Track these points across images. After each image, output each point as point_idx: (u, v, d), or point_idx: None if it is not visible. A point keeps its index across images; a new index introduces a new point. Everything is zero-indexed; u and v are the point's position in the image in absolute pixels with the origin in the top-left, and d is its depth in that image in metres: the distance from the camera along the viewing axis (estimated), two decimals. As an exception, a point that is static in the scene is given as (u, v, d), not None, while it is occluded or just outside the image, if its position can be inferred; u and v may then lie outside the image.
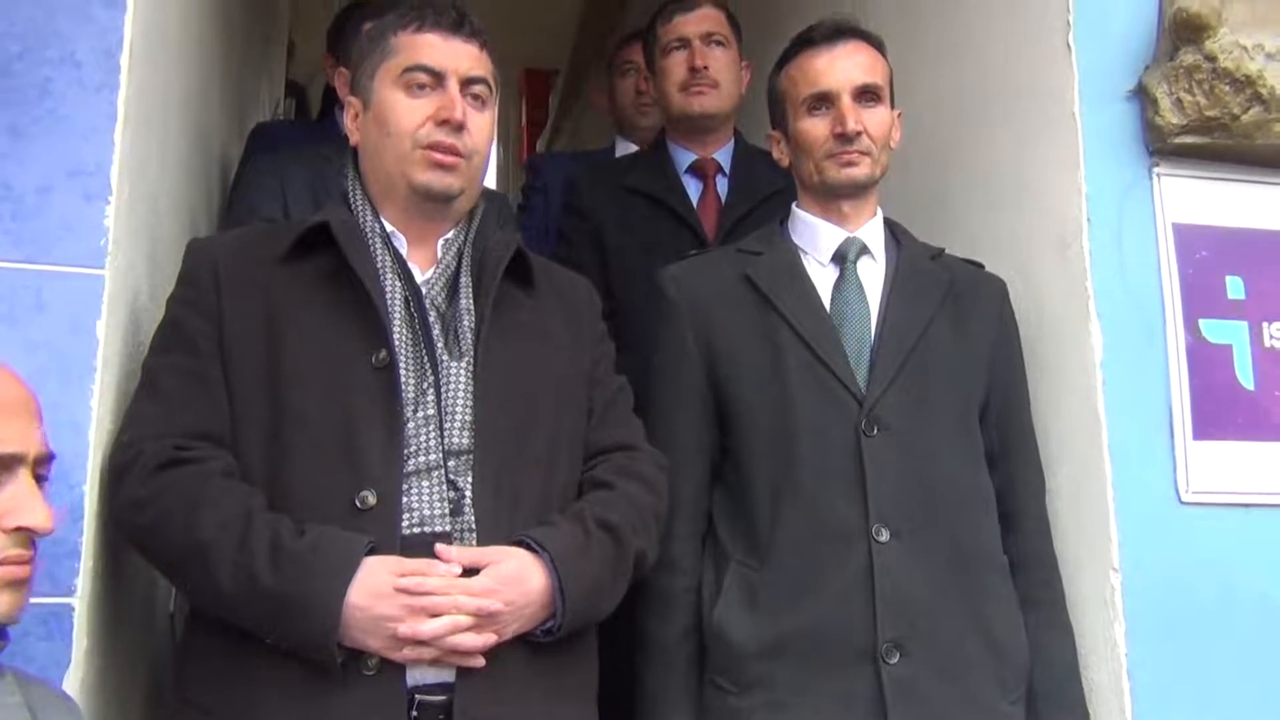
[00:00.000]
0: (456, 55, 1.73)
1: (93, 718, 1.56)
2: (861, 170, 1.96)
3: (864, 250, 2.00)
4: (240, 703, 1.52)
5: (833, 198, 2.00)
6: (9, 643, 1.31)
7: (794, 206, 2.08)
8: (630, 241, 2.57)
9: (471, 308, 1.70)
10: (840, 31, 2.02)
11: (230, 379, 1.63)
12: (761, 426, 1.90)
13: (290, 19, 5.59)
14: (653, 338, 2.05)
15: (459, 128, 1.70)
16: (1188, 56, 2.06)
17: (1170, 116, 2.07)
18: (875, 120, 1.97)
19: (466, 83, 1.73)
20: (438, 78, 1.71)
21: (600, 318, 1.93)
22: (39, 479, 1.30)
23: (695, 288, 2.01)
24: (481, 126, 1.75)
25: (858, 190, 1.99)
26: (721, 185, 2.67)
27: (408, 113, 1.71)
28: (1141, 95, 2.12)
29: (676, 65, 2.66)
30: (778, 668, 1.79)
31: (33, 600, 1.47)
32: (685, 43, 2.65)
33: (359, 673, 1.49)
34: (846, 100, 1.95)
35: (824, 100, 1.97)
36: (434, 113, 1.70)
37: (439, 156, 1.70)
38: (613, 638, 1.79)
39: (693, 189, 2.66)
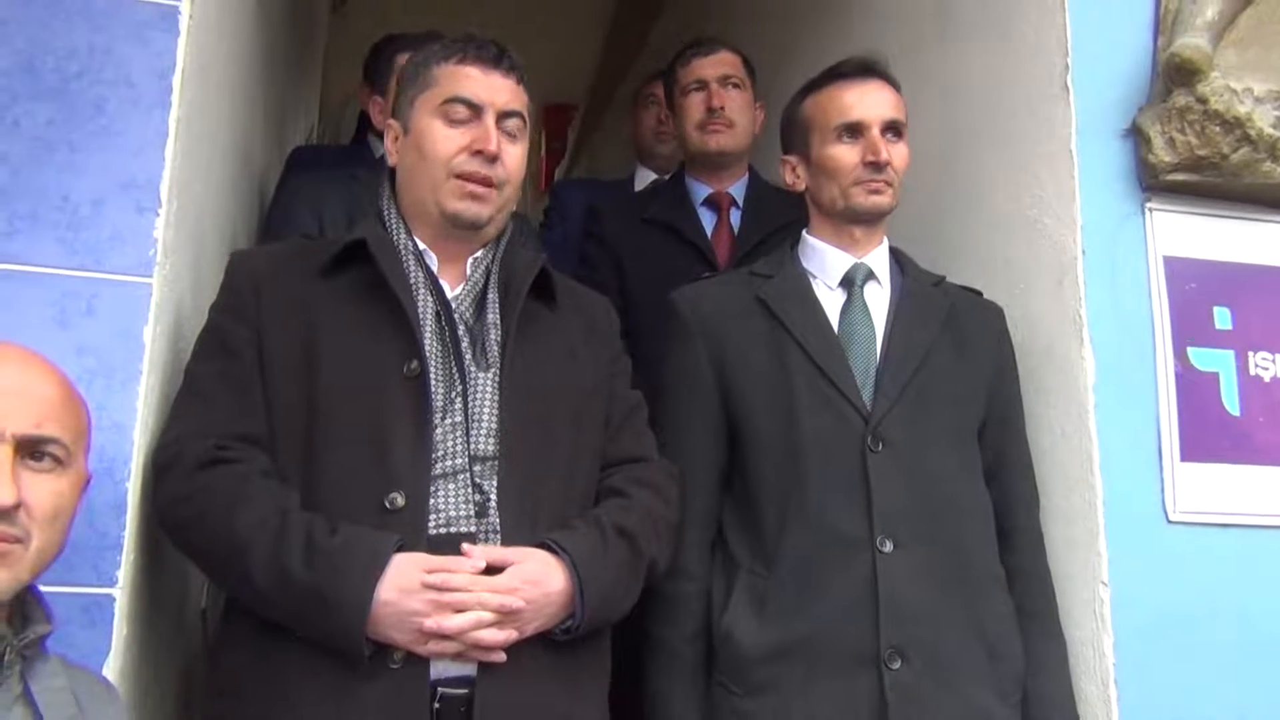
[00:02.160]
0: (495, 89, 1.73)
1: (130, 704, 1.55)
2: (885, 199, 1.98)
3: (870, 275, 2.01)
4: (271, 692, 1.51)
5: (850, 223, 2.01)
6: (55, 628, 1.31)
7: (804, 233, 2.08)
8: (648, 267, 2.58)
9: (498, 322, 1.70)
10: (870, 69, 2.03)
11: (269, 384, 1.62)
12: (770, 440, 1.90)
13: (326, 49, 5.62)
14: (666, 355, 2.04)
15: (493, 159, 1.70)
16: (1180, 98, 2.07)
17: (1163, 155, 2.08)
18: (898, 154, 1.99)
19: (502, 116, 1.73)
20: (476, 110, 1.71)
21: (618, 334, 1.93)
22: (39, 462, 1.27)
23: (708, 308, 2.01)
24: (515, 157, 1.75)
25: (878, 217, 2.01)
26: (735, 217, 2.69)
27: (444, 141, 1.71)
28: (1136, 134, 2.13)
29: (695, 105, 2.69)
30: (783, 671, 1.78)
31: (76, 589, 1.50)
32: (703, 84, 2.69)
33: (386, 665, 1.49)
34: (877, 131, 1.96)
35: (854, 130, 1.98)
36: (469, 143, 1.70)
37: (471, 186, 1.70)
38: (620, 639, 1.78)
39: (708, 220, 2.68)
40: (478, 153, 1.69)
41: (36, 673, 1.27)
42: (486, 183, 1.70)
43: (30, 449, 1.26)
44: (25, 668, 1.27)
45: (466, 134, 1.70)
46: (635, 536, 1.66)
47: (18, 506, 1.23)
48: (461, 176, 1.70)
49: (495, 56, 1.75)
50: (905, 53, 2.63)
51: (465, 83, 1.72)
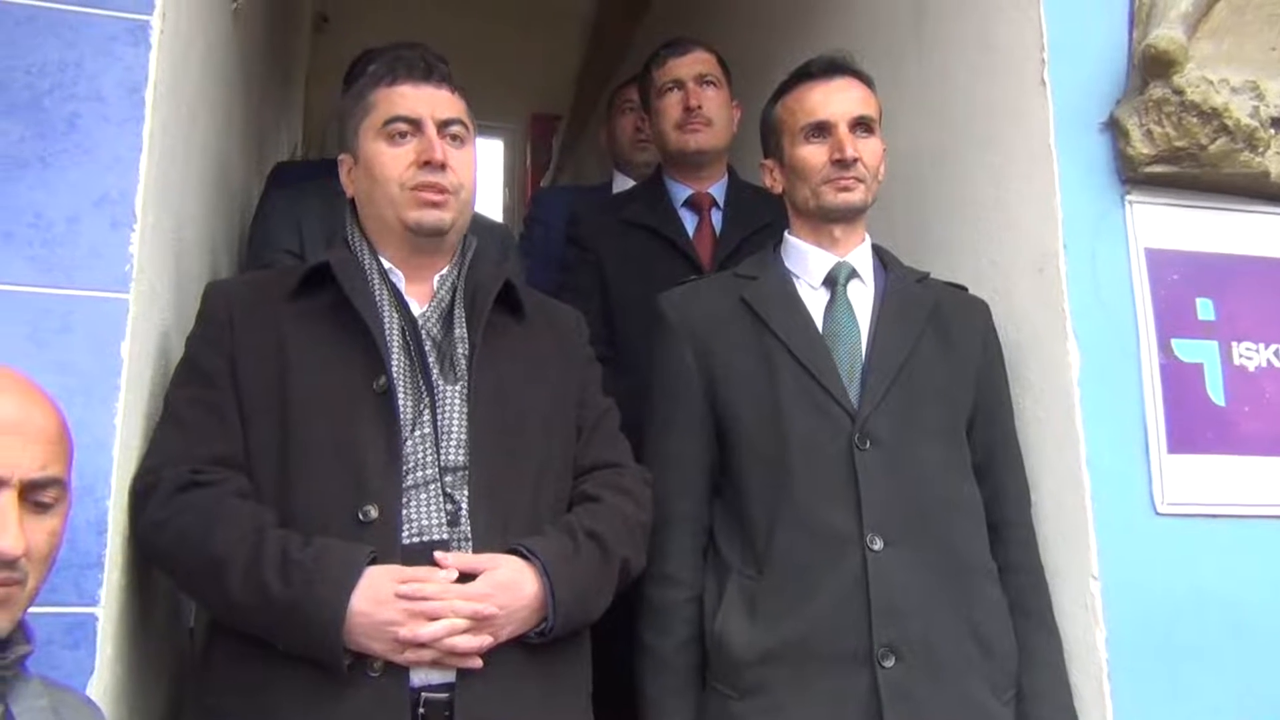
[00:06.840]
0: (430, 101, 1.77)
1: (115, 723, 1.54)
2: (856, 195, 1.97)
3: (853, 274, 2.00)
4: (255, 707, 1.54)
5: (826, 222, 2.00)
6: (35, 648, 1.29)
7: (786, 234, 2.08)
8: (630, 270, 2.57)
9: (465, 336, 1.73)
10: (836, 67, 2.03)
11: (244, 407, 1.66)
12: (758, 442, 1.89)
13: (309, 67, 5.61)
14: (652, 359, 2.03)
15: (441, 167, 1.73)
16: (1157, 90, 2.06)
17: (1141, 147, 2.07)
18: (869, 149, 1.98)
19: (443, 125, 1.76)
20: (415, 125, 1.75)
21: (587, 342, 1.95)
22: (39, 504, 1.26)
23: (694, 311, 2.01)
24: (463, 163, 1.78)
25: (852, 214, 1.99)
26: (716, 218, 2.67)
27: (392, 160, 1.75)
28: (1114, 127, 2.12)
29: (672, 105, 2.66)
30: (776, 673, 1.77)
31: (58, 609, 1.49)
32: (680, 84, 2.66)
33: (365, 675, 1.52)
34: (843, 129, 1.96)
35: (822, 129, 1.98)
36: (416, 157, 1.74)
37: (426, 195, 1.73)
38: (610, 643, 1.80)
39: (689, 221, 2.66)
40: (425, 163, 1.73)
41: (17, 694, 1.26)
42: (440, 190, 1.73)
43: (33, 491, 1.26)
44: (6, 689, 1.25)
45: (412, 149, 1.75)
46: (606, 540, 1.68)
47: (25, 554, 1.22)
48: (415, 189, 1.73)
49: (425, 70, 1.79)
50: (884, 54, 2.63)
51: (400, 101, 1.77)
